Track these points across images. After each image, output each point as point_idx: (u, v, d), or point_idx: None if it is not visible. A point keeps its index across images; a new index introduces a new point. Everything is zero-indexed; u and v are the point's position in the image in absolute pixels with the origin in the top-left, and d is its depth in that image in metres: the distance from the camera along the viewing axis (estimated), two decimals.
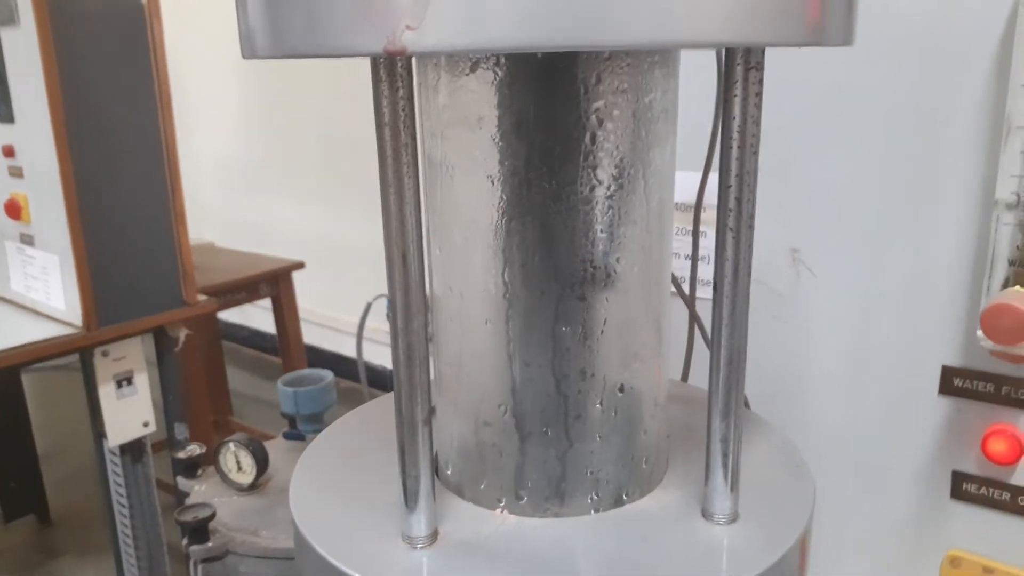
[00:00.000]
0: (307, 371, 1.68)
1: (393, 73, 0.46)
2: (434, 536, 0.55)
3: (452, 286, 0.57)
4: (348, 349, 3.53)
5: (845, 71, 0.87)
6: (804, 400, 0.92)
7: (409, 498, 0.53)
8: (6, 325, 1.84)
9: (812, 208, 0.87)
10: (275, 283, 2.53)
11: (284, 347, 2.67)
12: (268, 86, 3.73)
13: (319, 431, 1.64)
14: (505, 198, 0.53)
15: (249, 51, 0.50)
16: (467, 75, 0.52)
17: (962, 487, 0.85)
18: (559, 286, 0.54)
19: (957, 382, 0.84)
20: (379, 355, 3.50)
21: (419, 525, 0.54)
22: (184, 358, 2.04)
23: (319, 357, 3.56)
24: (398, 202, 0.48)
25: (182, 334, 1.96)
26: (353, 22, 0.41)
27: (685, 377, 0.84)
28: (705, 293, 0.81)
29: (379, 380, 3.54)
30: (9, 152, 1.81)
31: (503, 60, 0.51)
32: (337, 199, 3.57)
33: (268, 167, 3.85)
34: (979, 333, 0.77)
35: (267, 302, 2.66)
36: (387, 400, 0.76)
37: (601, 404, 0.56)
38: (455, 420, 0.60)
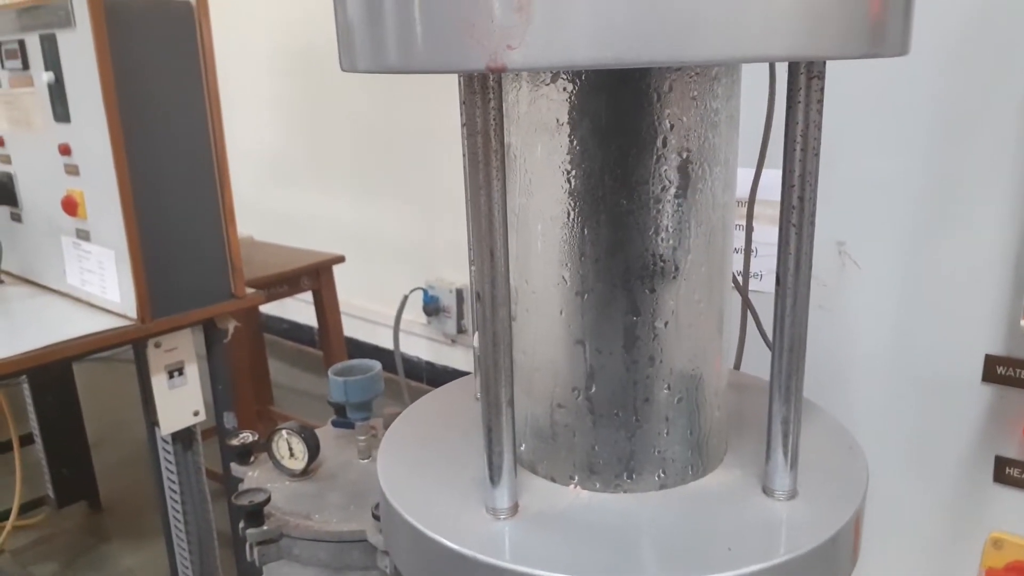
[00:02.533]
0: (355, 361, 1.73)
1: (486, 86, 0.51)
2: (515, 508, 0.59)
3: (528, 279, 0.62)
4: (383, 340, 3.59)
5: (892, 70, 0.90)
6: (849, 387, 0.96)
7: (494, 473, 0.58)
8: (63, 318, 1.90)
9: (858, 202, 0.90)
10: (316, 276, 2.59)
11: (325, 339, 2.73)
12: (305, 83, 3.79)
13: (367, 419, 1.71)
14: (581, 197, 0.57)
15: (348, 64, 0.55)
16: (547, 85, 0.56)
17: (1005, 471, 0.89)
18: (630, 279, 0.58)
19: (1000, 370, 0.87)
20: (414, 346, 3.57)
21: (502, 498, 0.58)
22: (230, 349, 2.10)
23: (356, 348, 3.63)
24: (487, 203, 0.53)
25: (231, 326, 2.02)
26: (458, 42, 0.45)
27: (738, 365, 0.88)
28: (756, 285, 0.85)
29: (414, 371, 3.61)
30: (66, 150, 1.87)
31: (582, 71, 0.55)
32: (373, 194, 3.63)
33: (304, 162, 3.92)
34: (1022, 323, 0.80)
35: (306, 295, 2.72)
36: (455, 386, 0.81)
37: (668, 388, 0.61)
38: (528, 403, 0.65)
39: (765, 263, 0.92)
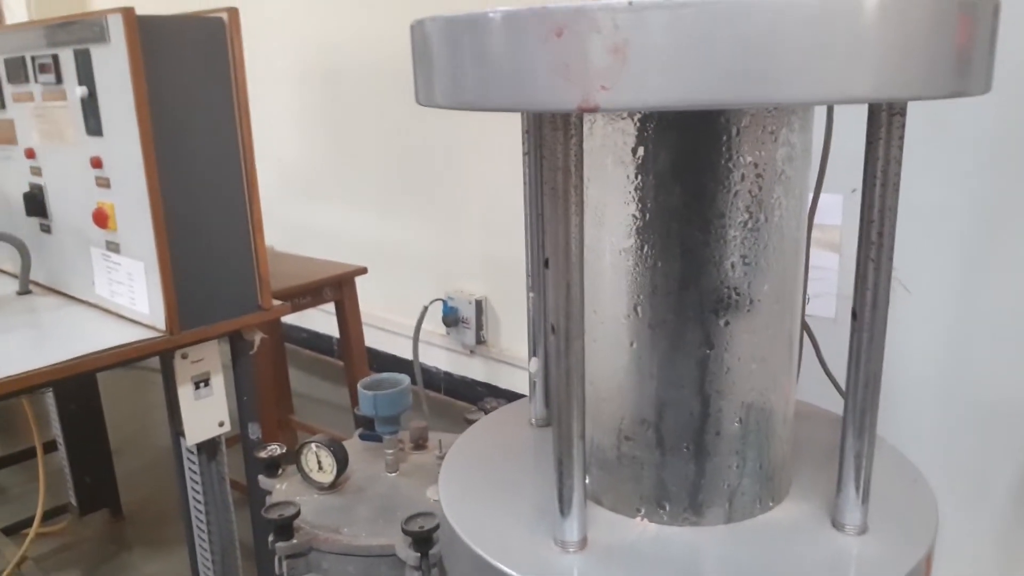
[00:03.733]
0: (384, 375, 1.74)
1: (568, 123, 0.51)
2: (584, 542, 0.59)
3: (597, 310, 0.61)
4: (403, 351, 3.59)
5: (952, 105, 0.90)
6: (897, 412, 0.95)
7: (564, 505, 0.58)
8: (92, 329, 1.91)
9: (908, 227, 0.90)
10: (339, 288, 2.59)
11: (347, 350, 2.74)
12: (330, 98, 3.81)
13: (395, 433, 1.71)
14: (654, 230, 0.57)
15: (426, 98, 0.55)
16: (623, 119, 0.56)
17: None
18: (704, 311, 0.58)
19: None
20: (433, 357, 3.57)
21: (571, 531, 0.58)
22: (254, 360, 2.11)
23: (376, 359, 3.64)
24: (565, 236, 0.53)
25: (257, 337, 2.03)
26: (550, 82, 0.45)
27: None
28: (811, 309, 0.84)
29: (433, 381, 3.61)
30: (97, 163, 1.88)
31: None
32: (393, 205, 3.64)
33: (326, 174, 3.93)
34: None
35: (326, 305, 2.73)
36: (508, 411, 0.81)
37: (740, 421, 0.60)
38: (594, 434, 0.64)
39: (813, 287, 0.92)
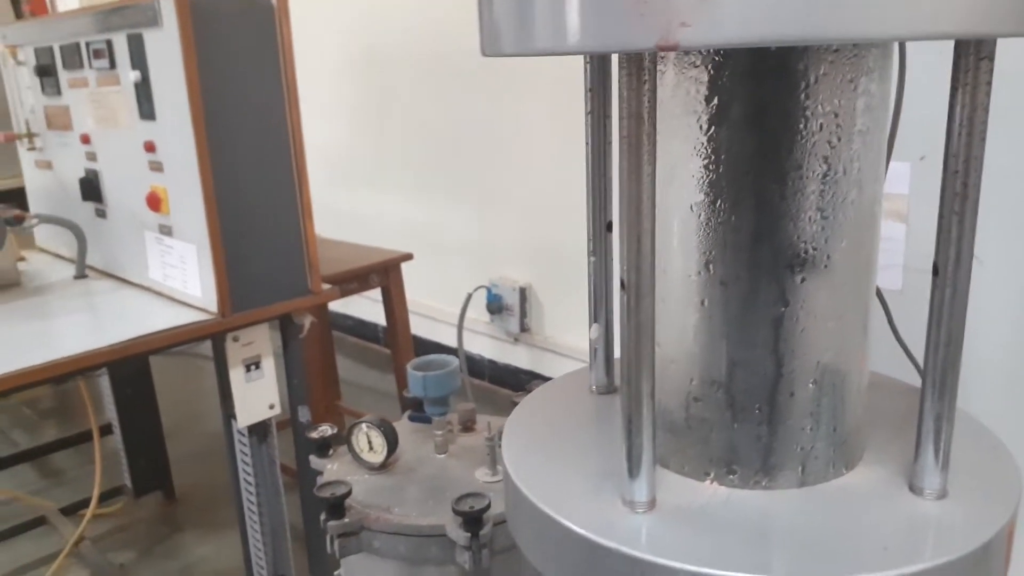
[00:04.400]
0: (433, 356, 1.74)
1: (641, 68, 0.49)
2: (653, 503, 0.58)
3: (666, 269, 0.60)
4: (447, 338, 3.61)
5: (1017, 50, 0.87)
6: (964, 387, 0.92)
7: (632, 465, 0.57)
8: (146, 311, 1.94)
9: (983, 197, 0.86)
10: (385, 274, 2.61)
11: (393, 337, 2.75)
12: (372, 84, 3.83)
13: (444, 414, 1.71)
14: (728, 183, 0.56)
15: (492, 48, 0.54)
16: (697, 67, 0.55)
17: None
18: (780, 267, 0.56)
19: None
20: (477, 344, 3.57)
21: (640, 491, 0.57)
22: (303, 345, 2.13)
23: (420, 346, 3.65)
24: (637, 187, 0.52)
25: (307, 321, 2.05)
26: (626, 20, 0.44)
27: None
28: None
29: (477, 368, 3.61)
30: (151, 147, 1.91)
31: (733, 51, 0.53)
32: (437, 193, 3.65)
33: (370, 161, 3.96)
34: None
35: (371, 292, 2.75)
36: (568, 379, 0.80)
37: (814, 383, 0.59)
38: (661, 396, 0.63)
39: (880, 258, 0.89)
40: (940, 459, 0.58)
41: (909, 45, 0.73)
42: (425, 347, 3.68)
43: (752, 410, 0.59)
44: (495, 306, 3.33)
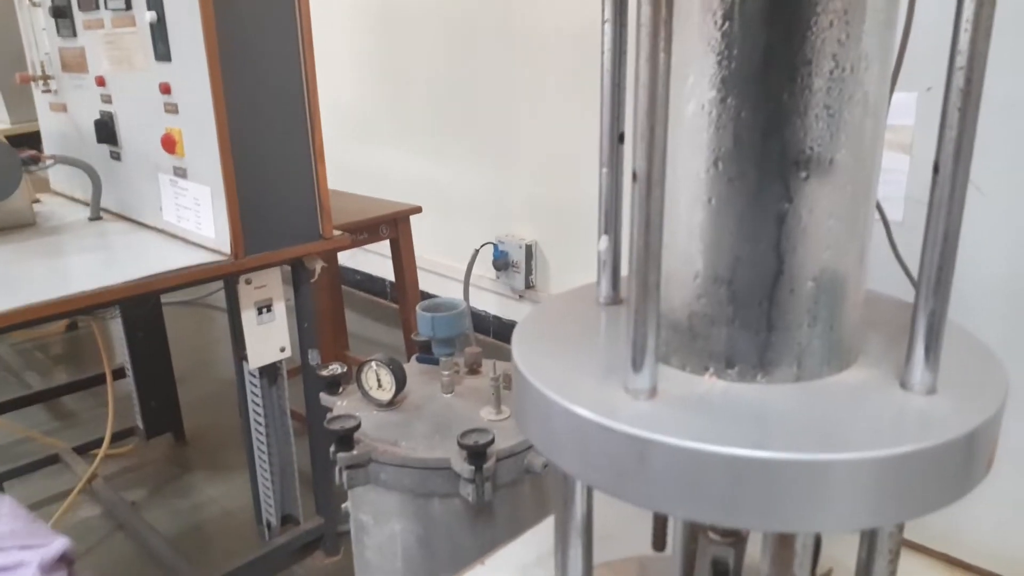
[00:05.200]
0: (441, 299, 1.77)
1: None
2: (654, 391, 0.61)
3: (676, 168, 0.62)
4: (451, 293, 3.64)
5: None
6: (966, 317, 0.95)
7: (636, 355, 0.60)
8: (160, 252, 1.98)
9: (984, 124, 0.88)
10: (395, 225, 2.64)
11: (401, 288, 2.79)
12: (385, 39, 3.83)
13: (451, 355, 1.74)
14: (740, 79, 0.58)
15: None
16: None
17: None
18: (786, 165, 0.58)
19: None
20: (483, 300, 3.61)
21: (643, 380, 0.60)
22: (313, 292, 2.16)
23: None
24: (653, 75, 0.54)
25: (318, 266, 2.08)
26: None
27: None
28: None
29: (482, 324, 3.65)
30: (166, 89, 1.93)
31: None
32: (447, 148, 3.66)
33: (382, 116, 3.97)
34: None
35: (378, 247, 2.78)
36: (578, 292, 0.83)
37: (814, 281, 0.61)
38: (666, 294, 0.66)
39: (882, 189, 0.91)
40: (931, 356, 0.60)
41: None
42: None
43: (753, 306, 0.62)
44: (501, 262, 3.36)
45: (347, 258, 4.11)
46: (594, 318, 0.77)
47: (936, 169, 0.57)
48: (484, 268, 3.43)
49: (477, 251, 3.15)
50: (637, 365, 0.61)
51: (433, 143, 3.71)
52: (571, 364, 0.67)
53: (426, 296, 3.69)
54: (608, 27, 0.70)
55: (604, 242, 0.77)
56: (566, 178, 3.11)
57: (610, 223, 0.77)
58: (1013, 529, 1.00)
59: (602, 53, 0.72)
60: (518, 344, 0.70)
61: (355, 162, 3.93)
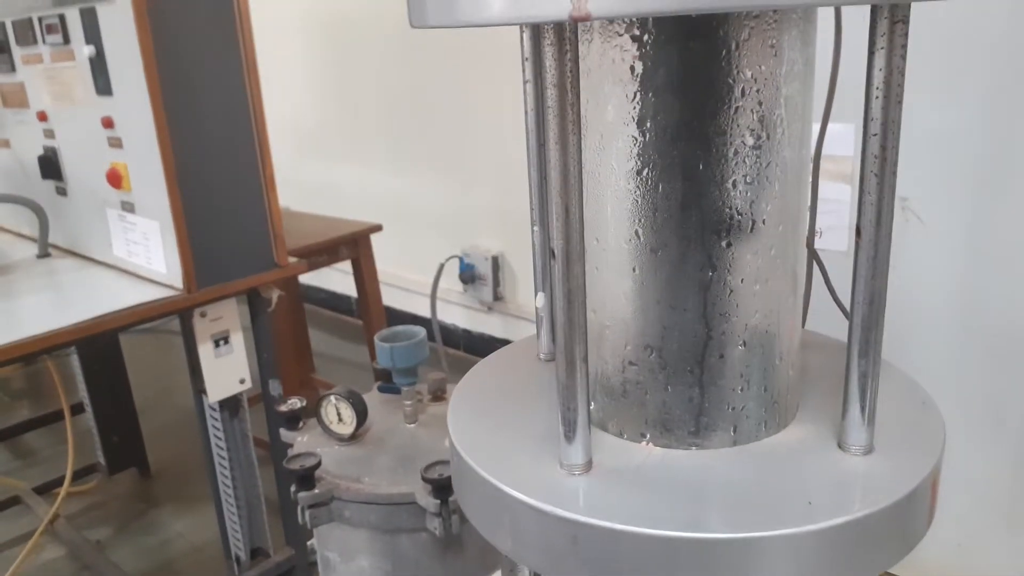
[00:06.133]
0: (400, 328, 1.75)
1: (562, 37, 0.50)
2: (589, 465, 0.60)
3: (598, 237, 0.61)
4: (421, 308, 3.61)
5: (954, 17, 0.88)
6: (912, 344, 0.95)
7: (567, 430, 0.58)
8: (111, 289, 1.93)
9: (920, 157, 0.88)
10: (355, 245, 2.60)
11: (364, 308, 2.75)
12: (338, 52, 3.78)
13: (413, 384, 1.72)
14: (655, 151, 0.56)
15: (418, 19, 0.54)
16: (620, 36, 0.55)
17: None
18: (706, 234, 0.57)
19: None
20: (451, 314, 3.58)
21: (576, 454, 0.59)
22: (273, 319, 2.13)
23: (394, 317, 3.66)
24: (563, 158, 0.52)
25: (275, 295, 2.05)
26: None
27: (803, 322, 0.86)
28: (818, 242, 0.83)
29: (451, 338, 3.63)
30: (108, 123, 1.89)
31: (656, 19, 0.54)
32: (407, 162, 3.63)
33: (338, 132, 3.92)
34: None
35: (343, 264, 2.74)
36: (516, 347, 0.81)
37: (744, 344, 0.60)
38: (597, 361, 0.65)
39: (826, 219, 0.91)
40: (866, 416, 0.60)
41: (848, 9, 0.74)
42: (399, 318, 3.69)
43: (684, 373, 0.61)
44: (468, 275, 3.34)
45: (311, 276, 4.06)
46: (534, 377, 0.75)
47: (858, 233, 0.56)
48: (451, 282, 3.40)
49: (442, 265, 3.12)
50: (569, 438, 0.59)
51: (392, 157, 3.67)
52: (507, 434, 0.66)
53: (391, 312, 3.66)
54: (530, 87, 0.69)
55: (541, 299, 0.76)
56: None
57: (546, 279, 0.76)
58: (972, 548, 1.01)
59: (525, 113, 0.70)
60: (454, 415, 0.68)
61: (312, 180, 3.88)
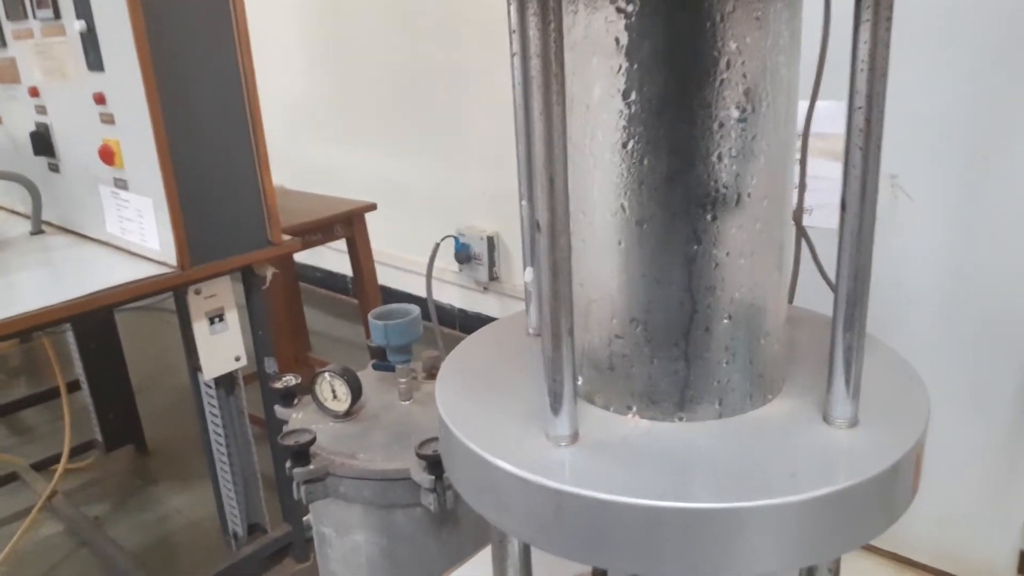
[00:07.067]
0: (395, 306, 1.75)
1: (546, 7, 0.49)
2: (575, 436, 0.60)
3: (585, 210, 0.61)
4: (416, 288, 3.61)
5: None
6: (901, 321, 0.95)
7: (554, 402, 0.59)
8: (105, 266, 1.93)
9: (911, 134, 0.88)
10: (349, 224, 2.60)
11: (359, 286, 2.75)
12: (334, 31, 3.76)
13: (407, 362, 1.72)
14: (640, 123, 0.56)
15: None
16: (607, 6, 0.55)
17: None
18: (691, 207, 0.57)
19: None
20: (447, 294, 3.59)
21: (562, 426, 0.59)
22: (268, 297, 2.13)
23: (389, 296, 3.66)
24: (547, 129, 0.52)
25: (269, 273, 2.05)
26: None
27: (791, 299, 0.87)
28: (807, 220, 0.84)
29: (447, 318, 3.63)
30: (100, 99, 1.88)
31: None
32: (403, 142, 3.61)
33: (334, 111, 3.90)
34: None
35: (339, 243, 2.74)
36: (507, 322, 0.82)
37: (729, 318, 0.60)
38: (584, 334, 0.65)
39: (816, 197, 0.91)
40: (851, 389, 0.60)
41: None
42: (394, 297, 3.68)
43: (670, 346, 0.61)
44: (463, 255, 3.34)
45: (306, 255, 4.06)
46: (522, 352, 0.76)
47: (843, 206, 0.56)
48: (446, 261, 3.40)
49: (438, 245, 3.11)
50: (555, 410, 0.60)
51: (387, 136, 3.66)
52: (494, 408, 0.66)
53: (387, 291, 3.66)
54: (518, 60, 0.68)
55: (530, 274, 0.76)
56: None
57: (534, 254, 0.76)
58: (955, 525, 1.02)
59: (513, 87, 0.70)
60: (441, 388, 0.69)
61: (307, 159, 3.86)
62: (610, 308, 0.62)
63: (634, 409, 0.63)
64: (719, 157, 0.56)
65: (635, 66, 0.55)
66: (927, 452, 0.82)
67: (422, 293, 3.22)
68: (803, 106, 0.79)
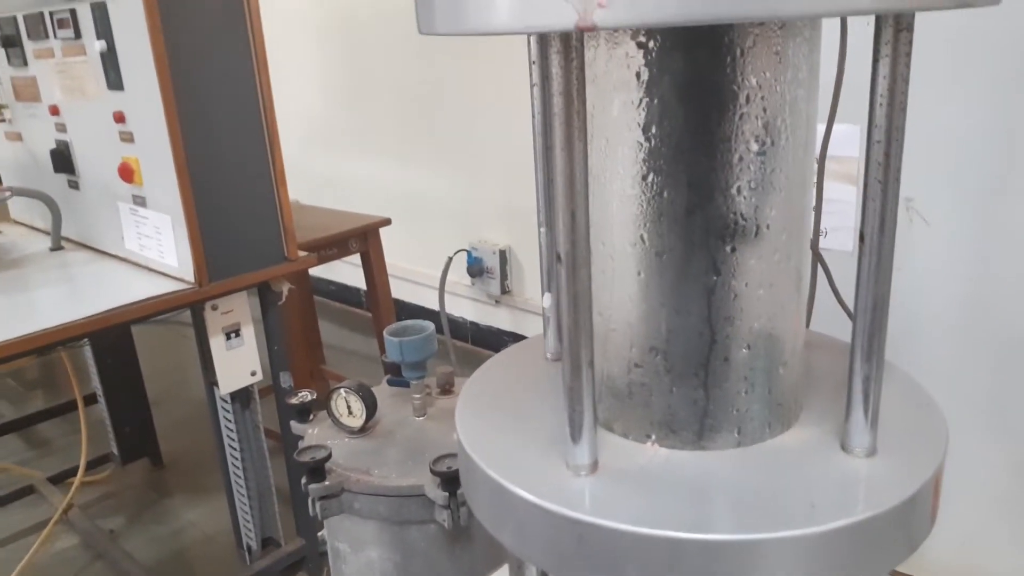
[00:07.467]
0: (410, 322, 1.76)
1: (568, 46, 0.50)
2: (595, 465, 0.61)
3: (604, 241, 0.62)
4: (429, 301, 3.62)
5: (959, 20, 0.88)
6: (918, 345, 0.95)
7: (574, 431, 0.59)
8: (123, 282, 1.95)
9: (927, 159, 0.88)
10: (364, 239, 2.61)
11: (373, 301, 2.77)
12: (349, 47, 3.79)
13: (422, 378, 1.73)
14: (660, 156, 0.57)
15: (426, 26, 0.54)
16: (628, 41, 0.56)
17: None
18: (710, 238, 0.58)
19: None
20: (459, 307, 3.60)
21: (582, 455, 0.60)
22: (284, 311, 2.14)
23: (402, 310, 3.67)
24: (569, 163, 0.53)
25: (285, 288, 2.06)
26: (549, 2, 0.45)
27: (807, 323, 0.87)
28: (822, 242, 0.84)
29: (459, 331, 3.64)
30: (120, 118, 1.90)
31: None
32: (416, 156, 3.63)
33: (348, 126, 3.92)
34: None
35: (353, 257, 2.76)
36: (524, 346, 0.82)
37: (748, 348, 0.61)
38: (603, 363, 0.65)
39: (831, 220, 0.91)
40: (869, 419, 0.60)
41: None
42: (407, 310, 3.70)
43: (689, 375, 0.61)
44: (476, 269, 3.35)
45: (320, 269, 4.08)
46: (540, 377, 0.76)
47: (862, 238, 0.56)
48: (459, 275, 3.41)
49: (451, 259, 3.13)
50: (575, 439, 0.60)
51: (401, 151, 3.68)
52: (514, 435, 0.67)
53: (400, 305, 3.68)
54: (537, 91, 0.69)
55: (548, 299, 0.77)
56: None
57: (552, 280, 0.77)
58: (976, 547, 1.01)
59: (532, 116, 0.71)
60: (462, 414, 0.69)
61: (323, 173, 3.89)
62: (629, 337, 0.63)
63: (653, 437, 0.64)
64: (738, 190, 0.57)
65: (655, 100, 0.56)
66: (947, 471, 0.82)
67: (435, 306, 3.24)
68: (819, 130, 0.79)
